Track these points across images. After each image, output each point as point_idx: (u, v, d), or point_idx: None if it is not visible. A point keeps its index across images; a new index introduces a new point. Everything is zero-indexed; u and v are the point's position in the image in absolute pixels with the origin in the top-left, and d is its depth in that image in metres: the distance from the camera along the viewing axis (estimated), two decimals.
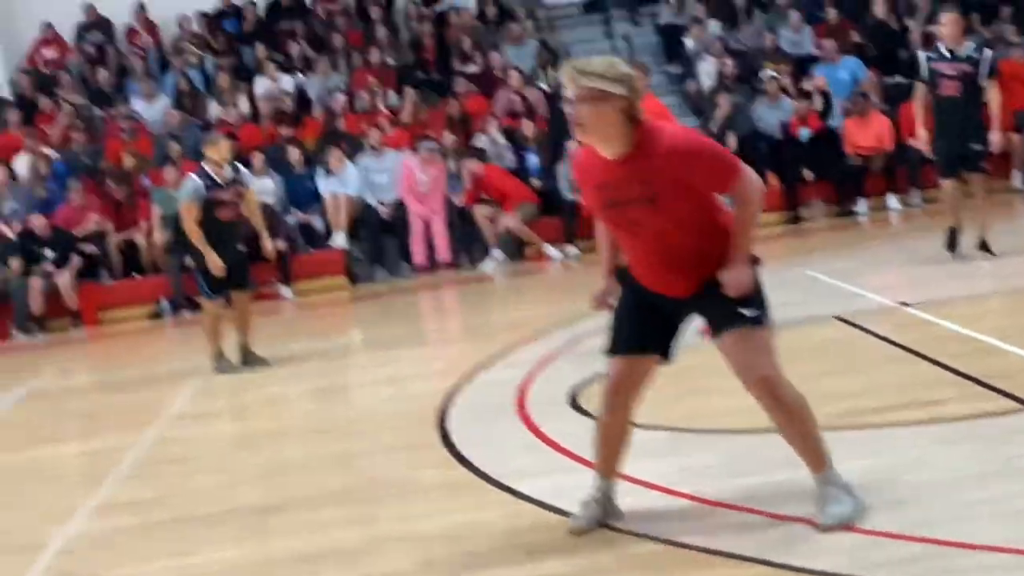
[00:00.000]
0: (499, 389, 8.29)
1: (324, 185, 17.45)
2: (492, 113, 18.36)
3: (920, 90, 11.15)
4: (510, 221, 16.90)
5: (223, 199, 10.55)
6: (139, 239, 17.15)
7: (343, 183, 17.35)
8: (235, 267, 10.63)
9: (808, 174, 17.30)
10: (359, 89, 19.10)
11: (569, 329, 10.19)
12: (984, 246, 11.07)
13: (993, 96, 10.89)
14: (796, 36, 19.52)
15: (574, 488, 5.56)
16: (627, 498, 5.23)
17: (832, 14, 19.47)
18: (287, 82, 19.46)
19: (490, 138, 17.76)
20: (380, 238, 17.44)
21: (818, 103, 17.85)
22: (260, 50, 19.82)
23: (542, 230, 17.01)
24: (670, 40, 20.28)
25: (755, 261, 4.87)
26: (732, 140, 16.94)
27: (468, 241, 17.29)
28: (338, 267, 17.22)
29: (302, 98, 19.35)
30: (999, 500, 4.81)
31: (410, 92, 18.69)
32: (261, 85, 19.38)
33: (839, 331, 8.84)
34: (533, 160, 17.67)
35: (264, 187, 16.16)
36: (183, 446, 8.12)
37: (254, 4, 21.06)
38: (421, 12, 20.87)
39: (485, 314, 13.35)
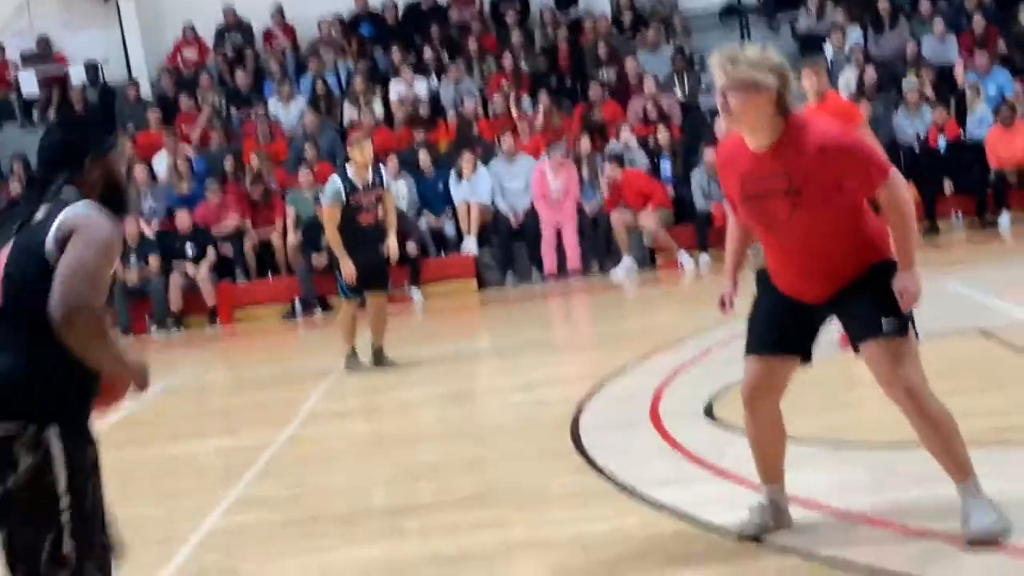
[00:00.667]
0: (633, 397, 8.22)
1: (456, 190, 17.52)
2: (626, 120, 18.28)
3: None
4: (650, 221, 16.75)
5: (363, 203, 10.58)
6: (274, 239, 17.41)
7: (475, 188, 17.41)
8: (373, 269, 10.67)
9: (948, 186, 16.92)
10: (493, 94, 19.16)
11: (702, 338, 10.07)
12: None
13: None
14: (940, 45, 19.06)
15: (711, 498, 5.49)
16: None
17: (979, 23, 18.97)
18: (421, 86, 19.60)
19: (624, 144, 17.69)
20: (511, 244, 17.46)
21: (953, 109, 17.50)
22: (396, 53, 19.99)
23: (675, 238, 16.88)
24: (809, 47, 19.96)
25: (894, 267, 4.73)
26: None
27: (599, 248, 17.22)
28: (468, 272, 17.28)
29: (435, 102, 19.47)
30: None
31: (544, 98, 18.69)
32: (395, 89, 19.55)
33: (984, 345, 8.61)
34: (667, 167, 17.55)
35: (397, 190, 16.28)
36: (317, 445, 8.19)
37: (396, 6, 21.22)
38: (556, 18, 20.87)
39: (617, 322, 13.28)
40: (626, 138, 17.75)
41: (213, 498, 6.89)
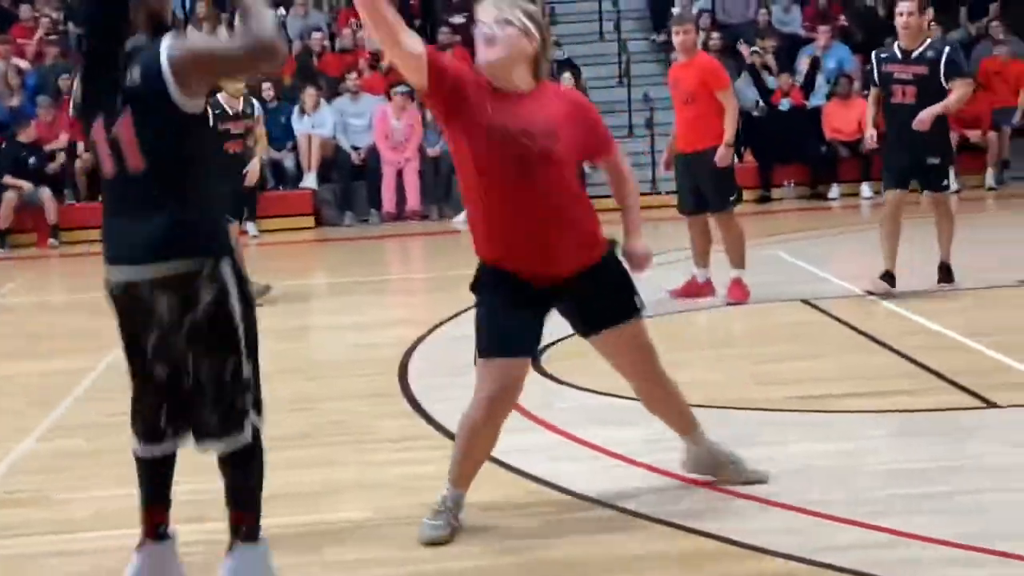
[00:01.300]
0: (462, 343, 8.24)
1: (298, 125, 17.32)
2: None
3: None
4: None
5: (232, 131, 10.36)
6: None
7: (318, 124, 17.23)
8: (235, 198, 10.38)
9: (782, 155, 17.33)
10: (342, 29, 18.92)
11: None
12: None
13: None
14: (785, 16, 19.47)
15: (532, 446, 5.59)
16: (586, 464, 5.23)
17: None
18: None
19: None
20: (351, 183, 17.34)
21: (801, 80, 17.90)
22: None
23: None
24: (658, 7, 20.14)
25: (614, 243, 4.73)
26: None
27: (440, 193, 17.19)
28: (306, 208, 17.13)
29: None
30: (954, 495, 4.85)
31: None
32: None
33: (806, 315, 8.87)
34: None
35: None
36: None
37: None
38: None
39: (453, 267, 13.26)
40: None
41: (30, 423, 6.75)
